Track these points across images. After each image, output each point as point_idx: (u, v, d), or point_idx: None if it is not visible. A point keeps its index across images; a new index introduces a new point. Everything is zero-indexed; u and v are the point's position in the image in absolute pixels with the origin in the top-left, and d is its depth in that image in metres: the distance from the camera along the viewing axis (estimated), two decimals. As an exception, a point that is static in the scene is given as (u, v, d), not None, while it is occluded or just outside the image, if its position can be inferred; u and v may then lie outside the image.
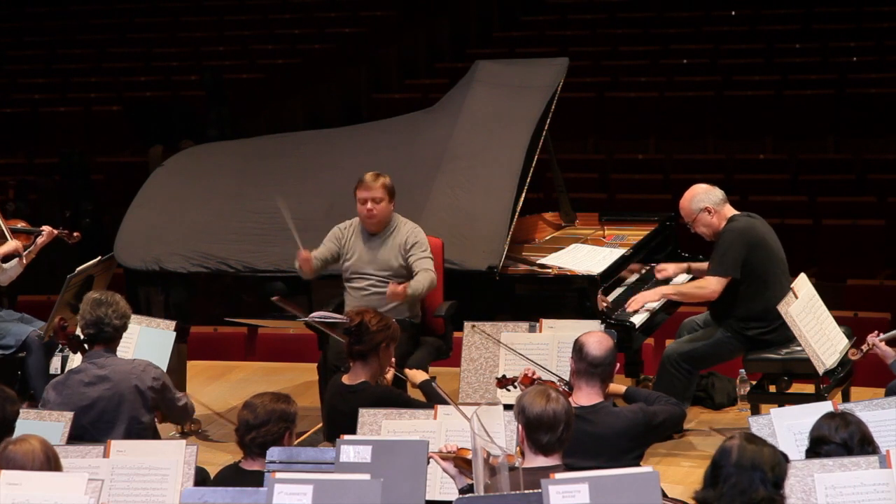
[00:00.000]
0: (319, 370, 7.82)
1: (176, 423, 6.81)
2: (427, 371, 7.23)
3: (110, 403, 6.29)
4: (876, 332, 6.87)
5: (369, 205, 7.57)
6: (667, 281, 8.16)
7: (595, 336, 6.06)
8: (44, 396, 6.41)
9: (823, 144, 14.00)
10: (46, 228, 8.22)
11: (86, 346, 6.50)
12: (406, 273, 7.56)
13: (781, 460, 4.51)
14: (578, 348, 6.01)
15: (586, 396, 5.95)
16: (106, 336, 6.41)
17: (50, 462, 4.91)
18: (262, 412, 5.48)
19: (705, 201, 7.70)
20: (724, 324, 7.69)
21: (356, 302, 7.50)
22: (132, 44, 17.12)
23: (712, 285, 7.63)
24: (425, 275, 7.47)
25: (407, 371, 6.81)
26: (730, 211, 7.73)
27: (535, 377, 6.50)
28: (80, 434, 6.20)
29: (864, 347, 6.81)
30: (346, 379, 6.50)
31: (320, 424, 7.02)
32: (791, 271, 7.76)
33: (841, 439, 4.98)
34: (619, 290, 8.07)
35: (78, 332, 6.72)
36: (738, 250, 7.58)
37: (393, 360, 6.69)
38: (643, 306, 7.76)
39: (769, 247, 7.68)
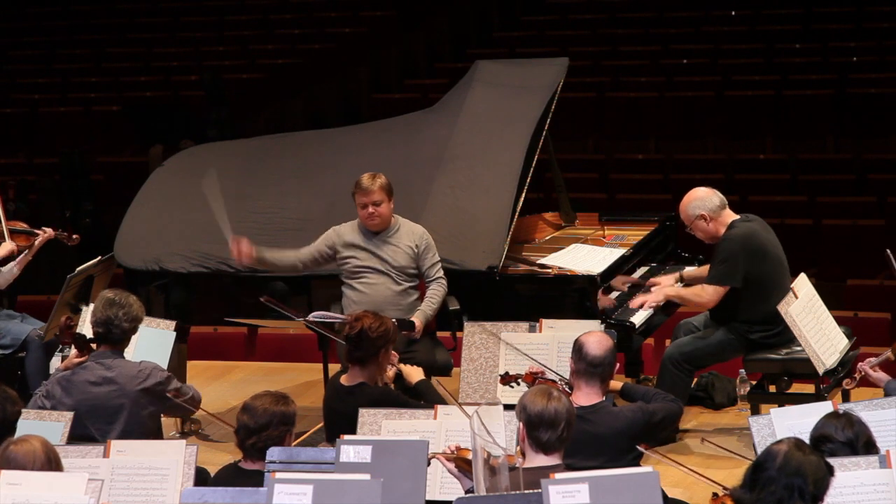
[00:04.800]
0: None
1: (184, 417, 6.79)
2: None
3: (115, 405, 6.29)
4: (867, 360, 6.86)
5: (370, 209, 7.57)
6: None
7: (595, 336, 6.06)
8: (49, 390, 6.40)
9: (823, 144, 14.00)
10: (45, 229, 8.23)
11: (92, 345, 6.50)
12: (414, 272, 7.62)
13: (826, 474, 4.47)
14: (578, 348, 6.01)
15: (586, 396, 5.94)
16: (113, 338, 6.41)
17: (51, 462, 4.91)
18: (261, 416, 5.47)
19: (701, 208, 7.65)
20: (727, 326, 7.66)
21: (363, 299, 7.50)
22: (132, 44, 17.12)
23: (709, 294, 7.59)
24: (438, 288, 7.61)
25: (402, 368, 6.80)
26: (728, 216, 7.67)
27: (538, 374, 6.50)
28: (83, 433, 6.20)
29: (857, 376, 6.85)
30: (343, 380, 6.51)
31: (320, 424, 7.02)
32: (791, 271, 7.74)
33: (846, 438, 4.98)
34: (616, 293, 8.06)
35: (83, 330, 6.72)
36: (738, 260, 7.51)
37: (395, 357, 6.70)
38: (645, 304, 7.79)
39: (769, 252, 7.64)
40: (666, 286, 7.94)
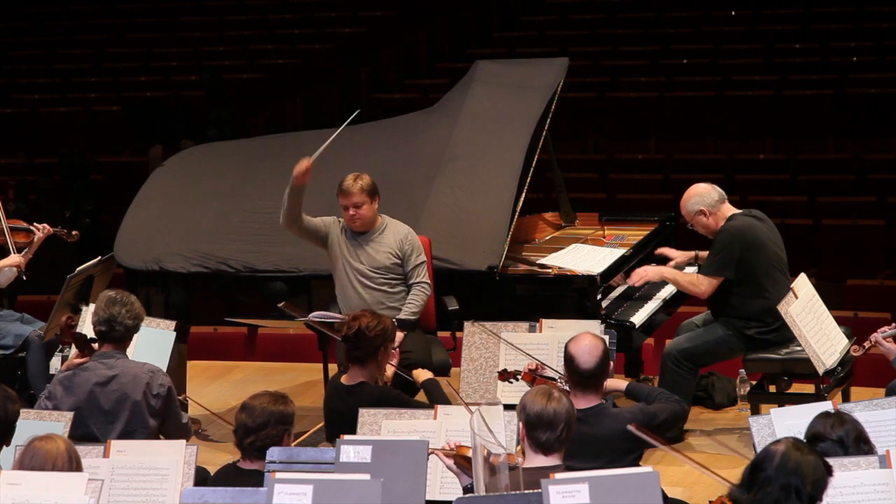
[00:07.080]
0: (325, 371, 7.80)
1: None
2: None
3: (117, 404, 6.29)
4: (881, 329, 6.85)
5: (351, 210, 7.57)
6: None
7: (584, 345, 5.93)
8: (50, 390, 6.40)
9: (823, 144, 14.00)
10: (42, 226, 8.22)
11: (94, 344, 6.50)
12: (399, 271, 7.57)
13: (824, 475, 4.47)
14: (569, 360, 5.92)
15: (584, 400, 5.91)
16: (116, 336, 6.41)
17: (72, 462, 4.93)
18: (260, 415, 5.47)
19: (700, 204, 7.67)
20: (723, 322, 7.69)
21: (351, 304, 7.50)
22: (132, 44, 17.13)
23: (703, 285, 7.65)
24: (420, 293, 7.55)
25: (412, 372, 6.84)
26: (728, 210, 7.70)
27: (537, 371, 6.49)
28: (84, 433, 6.20)
29: (867, 344, 6.82)
30: (344, 379, 6.51)
31: (320, 424, 7.03)
32: (791, 271, 7.75)
33: (837, 436, 4.98)
34: (613, 295, 8.05)
35: (83, 330, 6.71)
36: (731, 251, 7.56)
37: (395, 357, 6.71)
38: (642, 280, 7.80)
39: (767, 247, 7.66)
40: (662, 268, 7.91)
